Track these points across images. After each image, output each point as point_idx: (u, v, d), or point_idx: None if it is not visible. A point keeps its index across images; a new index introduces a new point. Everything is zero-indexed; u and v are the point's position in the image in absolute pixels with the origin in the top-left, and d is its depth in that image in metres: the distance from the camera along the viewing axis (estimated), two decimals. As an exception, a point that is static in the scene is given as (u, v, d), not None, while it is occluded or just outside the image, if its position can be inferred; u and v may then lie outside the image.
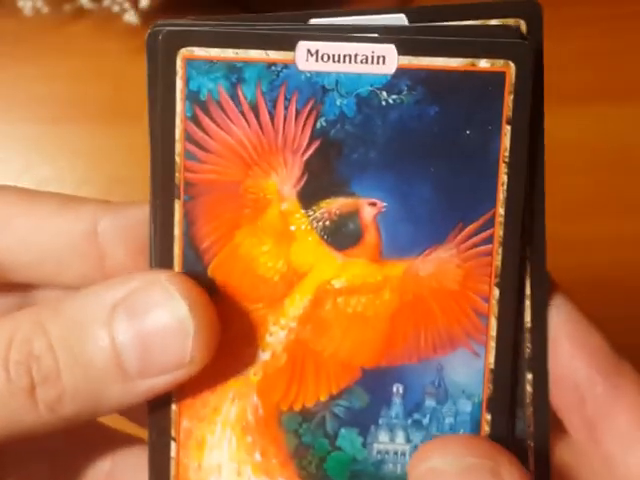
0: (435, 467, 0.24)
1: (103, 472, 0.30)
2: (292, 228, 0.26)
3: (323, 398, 0.27)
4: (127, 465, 0.30)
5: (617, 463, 0.26)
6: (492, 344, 0.26)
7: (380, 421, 0.27)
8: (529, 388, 0.26)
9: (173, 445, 0.27)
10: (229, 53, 0.25)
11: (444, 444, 0.25)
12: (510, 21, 0.25)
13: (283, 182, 0.26)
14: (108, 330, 0.24)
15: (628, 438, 0.26)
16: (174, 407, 0.27)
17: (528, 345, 0.26)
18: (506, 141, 0.25)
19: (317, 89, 0.25)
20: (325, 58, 0.25)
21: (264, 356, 0.27)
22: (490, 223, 0.25)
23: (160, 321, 0.24)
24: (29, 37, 0.50)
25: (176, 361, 0.24)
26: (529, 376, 0.26)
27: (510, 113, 0.25)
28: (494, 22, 0.25)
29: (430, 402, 0.26)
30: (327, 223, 0.26)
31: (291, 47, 0.25)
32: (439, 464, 0.24)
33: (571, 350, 0.26)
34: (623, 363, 0.26)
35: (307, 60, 0.25)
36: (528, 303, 0.26)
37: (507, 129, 0.25)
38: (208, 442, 0.27)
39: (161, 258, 0.26)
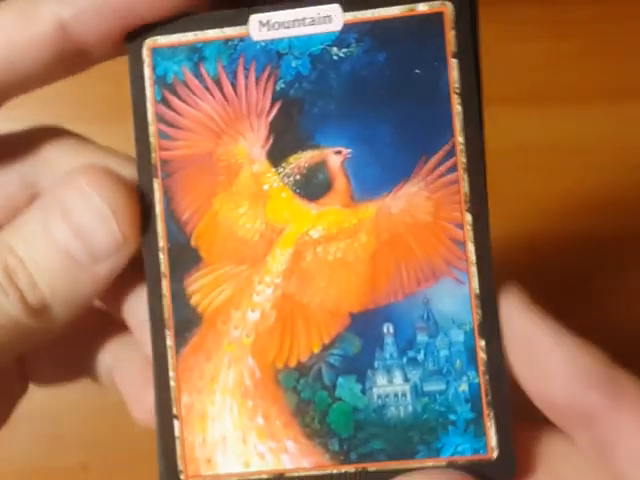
0: None
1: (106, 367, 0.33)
2: (265, 187, 0.27)
3: (316, 349, 0.27)
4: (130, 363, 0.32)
5: None
6: (473, 269, 0.26)
7: (376, 364, 0.26)
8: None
9: (176, 423, 0.27)
10: (189, 36, 0.27)
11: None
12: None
13: (252, 145, 0.27)
14: (50, 235, 0.27)
15: None
16: (172, 384, 0.27)
17: None
18: (454, 73, 0.26)
19: (272, 55, 0.27)
20: (276, 26, 0.27)
21: (254, 316, 0.27)
22: (452, 152, 0.26)
23: (83, 213, 0.27)
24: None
25: (112, 243, 0.27)
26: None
27: (454, 48, 0.26)
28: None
29: (422, 337, 0.26)
30: (297, 177, 0.27)
31: (244, 21, 0.27)
32: None
33: (566, 375, 0.25)
34: (620, 376, 0.25)
35: (260, 31, 0.27)
36: None
37: (454, 62, 0.26)
38: (210, 414, 0.27)
39: (148, 236, 0.27)
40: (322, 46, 0.27)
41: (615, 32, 0.53)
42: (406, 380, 0.26)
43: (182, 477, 0.27)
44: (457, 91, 0.26)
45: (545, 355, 0.25)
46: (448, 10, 0.26)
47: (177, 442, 0.27)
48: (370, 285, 0.27)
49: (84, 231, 0.27)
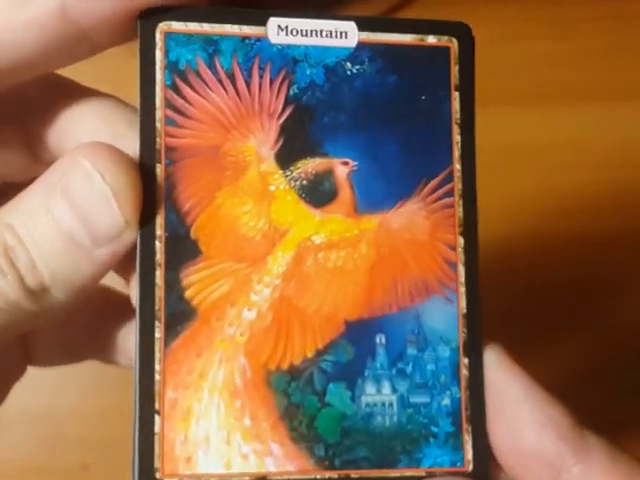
0: None
1: None
2: (271, 188, 0.27)
3: (310, 354, 0.27)
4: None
5: None
6: (462, 290, 0.28)
7: (366, 373, 0.27)
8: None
9: (157, 419, 0.26)
10: (206, 27, 0.27)
11: None
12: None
13: (261, 144, 0.27)
14: (51, 213, 0.26)
15: None
16: (157, 377, 0.26)
17: None
18: (456, 105, 0.28)
19: (288, 60, 0.27)
20: (294, 32, 0.27)
21: (250, 315, 0.27)
22: (450, 177, 0.28)
23: (84, 193, 0.26)
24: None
25: (114, 227, 0.26)
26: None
27: (457, 81, 0.28)
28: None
29: (412, 350, 0.27)
30: (304, 182, 0.27)
31: (263, 22, 0.27)
32: None
33: (536, 424, 0.26)
34: (588, 433, 0.27)
35: (278, 34, 0.27)
36: None
37: (455, 94, 0.28)
38: (195, 411, 0.26)
39: (146, 222, 0.26)
40: (337, 59, 0.28)
41: (615, 32, 0.55)
42: (394, 391, 0.27)
43: (158, 475, 0.26)
44: (457, 122, 0.28)
45: (517, 404, 0.27)
46: (454, 46, 0.28)
47: (156, 438, 0.26)
48: (367, 295, 0.27)
49: (86, 213, 0.26)
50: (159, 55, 0.27)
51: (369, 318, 0.27)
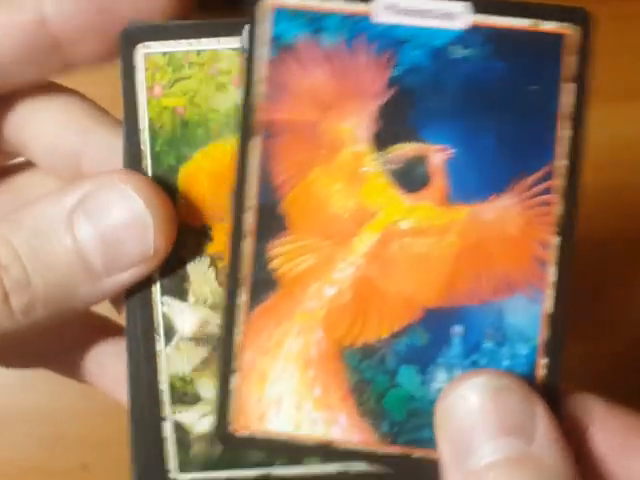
0: (468, 391, 0.25)
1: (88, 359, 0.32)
2: (364, 170, 0.28)
3: (385, 335, 0.28)
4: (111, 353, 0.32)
5: None
6: (550, 291, 0.27)
7: (439, 360, 0.27)
8: None
9: (235, 376, 0.28)
10: (313, 3, 0.27)
11: (474, 372, 0.26)
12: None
13: (357, 126, 0.27)
14: (70, 233, 0.25)
15: None
16: (238, 339, 0.28)
17: None
18: (569, 97, 0.27)
19: (393, 40, 0.27)
20: (402, 12, 0.27)
21: (330, 292, 0.28)
22: (551, 174, 0.27)
23: (119, 218, 0.25)
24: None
25: (140, 254, 0.26)
26: None
27: (573, 72, 0.27)
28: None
29: (489, 344, 0.27)
30: (397, 167, 0.27)
31: (369, 0, 0.27)
32: (472, 386, 0.25)
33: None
34: None
35: (384, 13, 0.27)
36: None
37: (571, 87, 0.27)
38: (270, 376, 0.28)
39: (239, 191, 0.27)
40: (444, 42, 0.27)
41: (615, 32, 0.51)
42: None
43: (231, 428, 0.28)
44: (570, 115, 0.27)
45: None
46: (575, 34, 0.27)
47: (232, 395, 0.28)
48: (448, 284, 0.27)
49: (112, 236, 0.26)
50: (267, 29, 0.27)
51: (448, 307, 0.27)
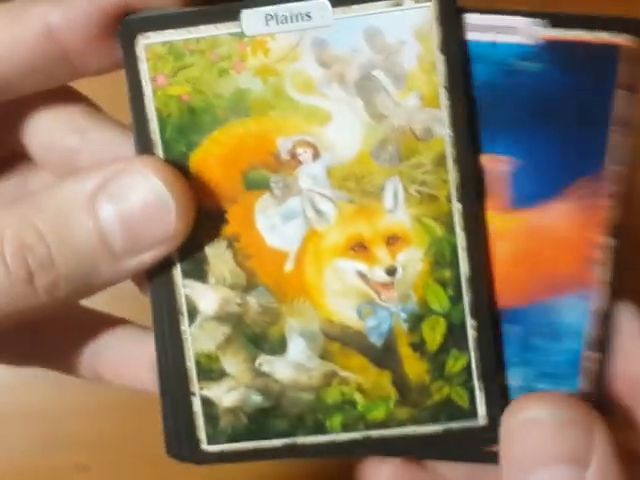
0: (534, 417, 0.26)
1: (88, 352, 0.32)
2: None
3: None
4: (112, 346, 0.32)
5: None
6: (600, 290, 0.29)
7: (492, 359, 0.29)
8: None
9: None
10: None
11: (541, 398, 0.27)
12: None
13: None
14: (92, 215, 0.26)
15: None
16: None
17: None
18: (623, 105, 0.28)
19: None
20: (471, 28, 0.28)
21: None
22: (604, 179, 0.28)
23: (141, 200, 0.26)
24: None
25: (161, 235, 0.26)
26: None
27: (628, 80, 0.28)
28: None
29: (539, 341, 0.29)
30: None
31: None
32: (537, 415, 0.26)
33: None
34: None
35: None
36: None
37: (625, 94, 0.28)
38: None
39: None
40: (514, 56, 0.28)
41: None
42: (518, 377, 0.29)
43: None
44: (623, 122, 0.28)
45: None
46: (628, 44, 0.28)
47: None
48: (502, 285, 0.29)
49: (133, 217, 0.26)
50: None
51: (501, 307, 0.29)
